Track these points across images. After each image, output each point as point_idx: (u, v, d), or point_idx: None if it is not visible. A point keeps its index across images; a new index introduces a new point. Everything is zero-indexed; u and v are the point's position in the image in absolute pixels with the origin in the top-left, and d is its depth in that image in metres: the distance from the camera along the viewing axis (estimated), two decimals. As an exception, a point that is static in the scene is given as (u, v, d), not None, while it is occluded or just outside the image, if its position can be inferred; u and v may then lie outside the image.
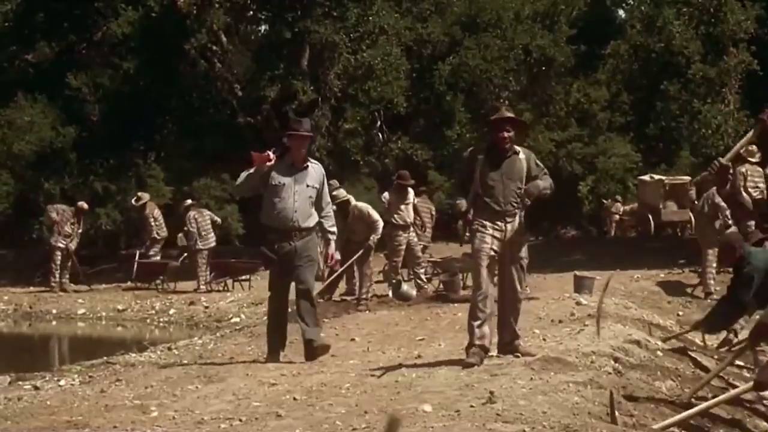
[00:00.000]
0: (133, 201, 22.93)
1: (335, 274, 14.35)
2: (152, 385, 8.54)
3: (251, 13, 24.89)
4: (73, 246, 21.89)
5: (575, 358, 8.40)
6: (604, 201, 31.05)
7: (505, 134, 8.82)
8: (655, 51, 23.17)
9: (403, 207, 16.58)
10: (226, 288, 20.57)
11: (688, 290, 17.04)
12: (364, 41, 24.06)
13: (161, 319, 19.34)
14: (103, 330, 19.34)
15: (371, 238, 15.00)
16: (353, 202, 15.50)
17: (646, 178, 25.22)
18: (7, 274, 24.27)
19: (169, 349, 12.61)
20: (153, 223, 21.89)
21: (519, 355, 8.75)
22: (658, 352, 10.00)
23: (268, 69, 24.19)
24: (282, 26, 24.21)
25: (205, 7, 23.36)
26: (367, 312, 14.43)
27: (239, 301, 19.26)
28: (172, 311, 19.57)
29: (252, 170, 9.71)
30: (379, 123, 25.80)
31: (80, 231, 22.26)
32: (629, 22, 26.85)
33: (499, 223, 8.77)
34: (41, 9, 27.09)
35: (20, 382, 9.88)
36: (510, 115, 9.18)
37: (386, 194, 17.01)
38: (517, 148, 8.93)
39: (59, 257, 21.68)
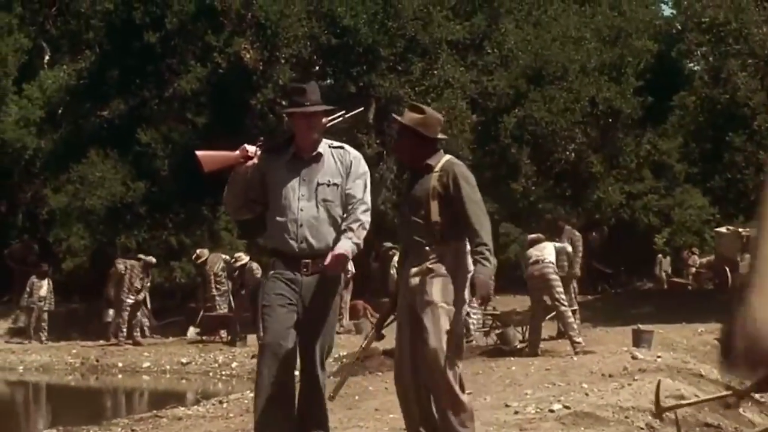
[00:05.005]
0: (193, 258, 23.30)
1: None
2: (190, 439, 8.60)
3: (317, 68, 25.12)
4: (141, 297, 22.42)
5: (611, 413, 8.27)
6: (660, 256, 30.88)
7: (400, 145, 6.62)
8: (720, 102, 22.99)
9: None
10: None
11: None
12: (429, 95, 24.13)
13: (224, 372, 19.42)
14: (167, 383, 19.47)
15: None
16: None
17: (723, 230, 24.92)
18: (78, 327, 24.71)
19: (220, 402, 12.64)
20: (213, 280, 22.10)
21: None
22: (706, 408, 9.80)
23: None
24: (347, 80, 24.42)
25: (271, 63, 23.69)
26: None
27: (301, 354, 19.29)
28: (234, 364, 19.64)
29: (229, 179, 6.40)
30: (444, 176, 25.79)
31: (148, 285, 22.71)
32: (697, 73, 26.72)
33: (408, 272, 6.34)
34: (115, 66, 27.68)
35: (64, 435, 9.99)
36: (401, 118, 6.47)
37: None
38: (437, 160, 6.36)
39: (128, 312, 22.09)
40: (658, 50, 27.30)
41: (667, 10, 31.14)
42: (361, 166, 6.42)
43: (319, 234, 6.20)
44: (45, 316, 24.14)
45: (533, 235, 15.89)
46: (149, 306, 23.55)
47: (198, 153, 6.35)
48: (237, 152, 6.28)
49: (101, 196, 25.53)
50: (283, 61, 23.77)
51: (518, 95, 25.53)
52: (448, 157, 6.42)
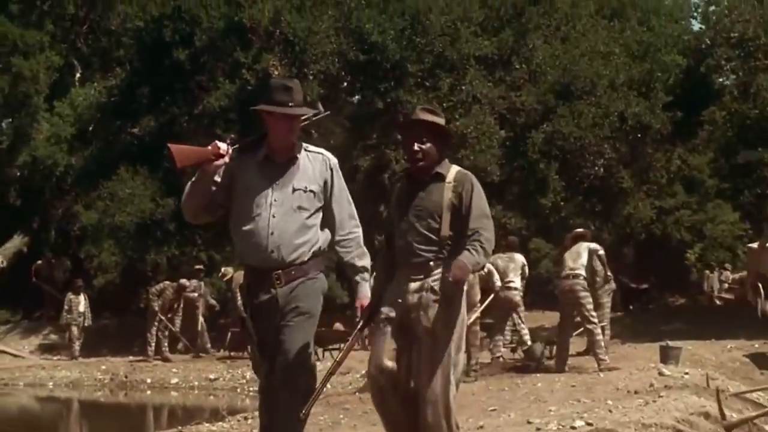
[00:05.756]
0: (219, 277, 23.58)
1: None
2: (212, 455, 8.61)
3: (345, 84, 25.19)
4: (177, 324, 22.66)
5: (633, 429, 8.21)
6: (708, 272, 30.52)
7: (416, 147, 5.91)
8: (750, 117, 22.89)
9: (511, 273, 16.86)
10: (317, 358, 20.58)
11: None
12: (457, 110, 24.15)
13: (251, 389, 19.36)
14: (194, 399, 19.52)
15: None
16: None
17: (755, 245, 24.71)
18: (108, 343, 24.87)
19: (245, 418, 12.64)
20: (239, 295, 22.19)
21: None
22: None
23: (361, 139, 24.45)
24: (375, 96, 24.49)
25: (299, 79, 23.66)
26: (475, 380, 14.25)
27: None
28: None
29: (195, 177, 5.81)
30: (472, 191, 25.70)
31: (181, 307, 22.84)
32: (726, 88, 26.59)
33: (403, 286, 5.88)
34: (145, 83, 27.88)
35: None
36: (425, 117, 5.97)
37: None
38: (447, 169, 5.96)
39: (155, 327, 22.27)
40: (687, 65, 27.18)
41: (696, 25, 30.97)
42: (340, 174, 5.98)
43: (293, 244, 5.67)
44: (82, 332, 24.29)
45: (579, 230, 15.82)
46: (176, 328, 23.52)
47: (171, 146, 5.74)
48: (209, 147, 5.70)
49: (131, 212, 25.63)
50: (311, 77, 23.86)
51: (546, 110, 25.45)
52: (456, 167, 6.04)
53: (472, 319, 14.19)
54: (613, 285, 17.73)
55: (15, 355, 25.14)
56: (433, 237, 5.84)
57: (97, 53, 32.11)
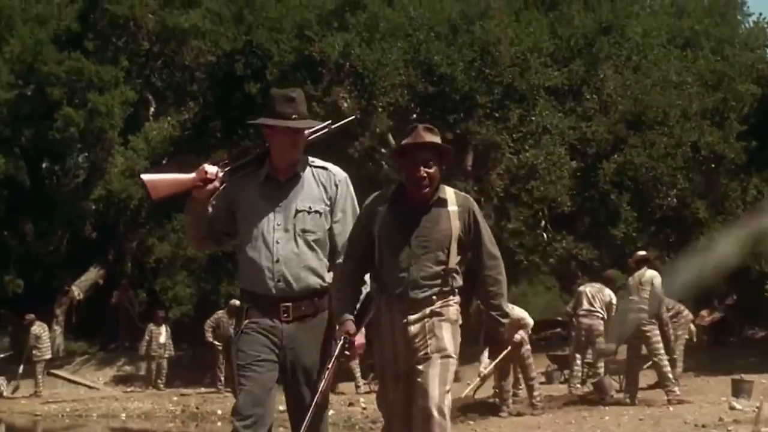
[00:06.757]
0: None
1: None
2: (270, 488, 8.56)
3: (414, 115, 25.19)
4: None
5: (696, 465, 8.06)
6: None
7: (423, 172, 5.24)
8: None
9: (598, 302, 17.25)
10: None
11: None
12: (527, 141, 24.10)
13: (321, 420, 19.34)
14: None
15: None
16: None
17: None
18: (181, 374, 25.05)
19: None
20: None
21: None
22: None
23: (431, 170, 24.45)
24: (444, 128, 24.45)
25: (369, 112, 23.85)
26: (542, 413, 14.17)
27: (397, 402, 19.22)
28: (330, 412, 19.51)
29: (186, 205, 5.34)
30: (543, 222, 25.59)
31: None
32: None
33: (398, 317, 5.31)
34: (218, 117, 28.18)
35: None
36: (432, 139, 5.30)
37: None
38: (447, 193, 5.38)
39: (222, 359, 22.46)
40: (762, 94, 26.75)
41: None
42: (349, 191, 5.39)
43: (300, 271, 5.12)
44: (164, 363, 24.59)
45: (641, 253, 15.71)
46: None
47: (144, 177, 5.36)
48: (193, 174, 5.19)
49: (202, 244, 25.83)
50: (380, 109, 23.94)
51: (618, 141, 25.19)
52: (452, 189, 5.48)
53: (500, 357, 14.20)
54: (689, 316, 17.59)
55: (89, 387, 25.47)
56: (441, 270, 5.29)
57: (171, 88, 32.54)
